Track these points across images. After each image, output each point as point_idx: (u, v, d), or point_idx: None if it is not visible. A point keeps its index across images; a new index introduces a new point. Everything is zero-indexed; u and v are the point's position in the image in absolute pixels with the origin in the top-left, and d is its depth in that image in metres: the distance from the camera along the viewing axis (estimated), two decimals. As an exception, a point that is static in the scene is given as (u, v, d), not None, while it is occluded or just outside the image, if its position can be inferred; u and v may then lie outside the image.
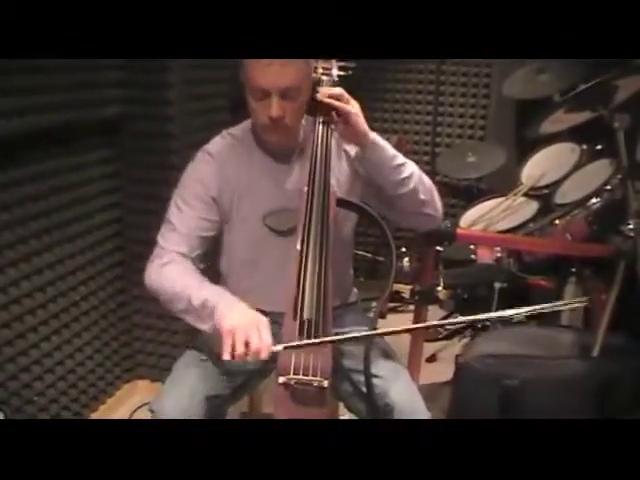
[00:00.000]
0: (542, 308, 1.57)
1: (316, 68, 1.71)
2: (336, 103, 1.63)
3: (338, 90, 1.65)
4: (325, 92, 1.66)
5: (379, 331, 1.54)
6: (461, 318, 1.91)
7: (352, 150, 1.76)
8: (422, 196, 1.71)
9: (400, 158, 1.69)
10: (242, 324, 1.44)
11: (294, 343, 1.46)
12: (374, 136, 1.66)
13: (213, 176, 1.71)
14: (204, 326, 1.57)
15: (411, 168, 1.70)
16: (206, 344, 1.70)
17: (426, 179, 1.74)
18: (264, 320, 1.48)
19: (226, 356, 1.43)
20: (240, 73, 1.62)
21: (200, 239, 1.70)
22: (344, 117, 1.64)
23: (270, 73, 1.55)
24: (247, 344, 1.42)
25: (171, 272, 1.64)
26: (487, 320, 1.64)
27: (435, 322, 2.25)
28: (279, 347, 1.44)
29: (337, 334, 1.65)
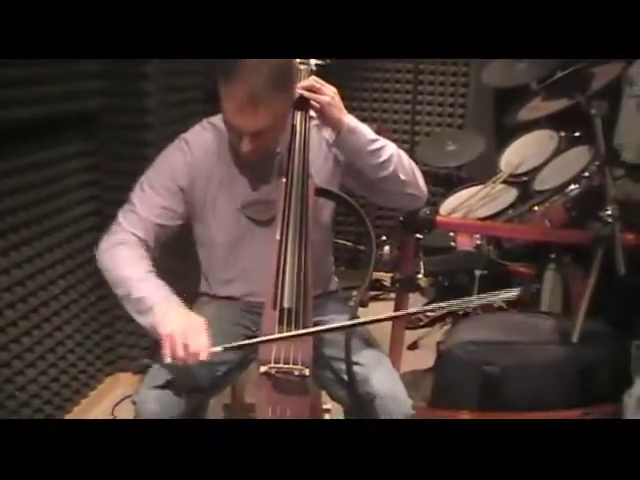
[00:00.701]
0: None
1: None
2: (313, 96, 1.61)
3: (308, 82, 1.63)
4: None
5: (360, 320, 1.55)
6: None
7: (331, 136, 1.73)
8: (403, 177, 1.69)
9: (378, 142, 1.66)
10: (180, 329, 1.44)
11: (235, 344, 1.50)
12: (350, 121, 1.63)
13: (185, 166, 1.69)
14: (141, 320, 1.55)
15: (390, 150, 1.67)
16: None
17: (406, 160, 1.71)
18: (201, 322, 1.48)
19: (167, 360, 1.45)
20: (217, 75, 1.54)
21: (158, 227, 1.68)
22: (317, 107, 1.63)
23: (242, 118, 1.54)
24: (186, 347, 1.43)
25: (120, 254, 1.62)
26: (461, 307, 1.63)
27: (412, 310, 2.26)
28: (218, 348, 1.45)
29: (318, 323, 1.65)
